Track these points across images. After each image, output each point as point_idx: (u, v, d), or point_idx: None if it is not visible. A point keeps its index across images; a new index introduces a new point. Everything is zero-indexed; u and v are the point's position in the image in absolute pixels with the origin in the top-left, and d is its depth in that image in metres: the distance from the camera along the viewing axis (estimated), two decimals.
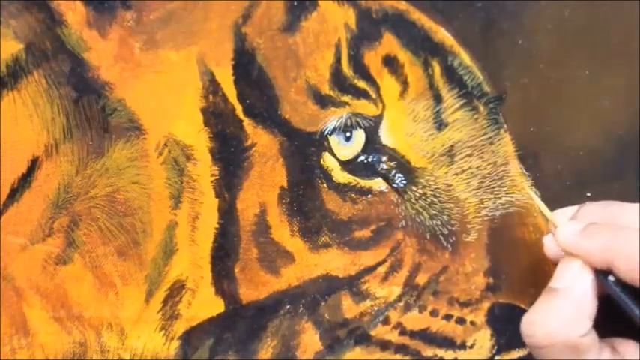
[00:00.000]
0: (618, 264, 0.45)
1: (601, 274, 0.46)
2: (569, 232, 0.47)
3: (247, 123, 0.51)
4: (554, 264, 0.48)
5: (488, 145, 0.54)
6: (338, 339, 0.53)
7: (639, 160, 0.55)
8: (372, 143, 0.52)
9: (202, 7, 0.50)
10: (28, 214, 0.49)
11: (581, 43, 0.55)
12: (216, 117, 0.50)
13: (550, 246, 0.50)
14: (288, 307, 0.52)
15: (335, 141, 0.52)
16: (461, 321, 0.53)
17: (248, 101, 0.51)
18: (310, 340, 0.52)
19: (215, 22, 0.50)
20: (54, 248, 0.49)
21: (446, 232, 0.53)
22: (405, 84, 0.52)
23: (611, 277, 0.46)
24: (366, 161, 0.52)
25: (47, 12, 0.48)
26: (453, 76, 0.53)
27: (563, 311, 0.46)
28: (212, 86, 0.50)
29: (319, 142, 0.52)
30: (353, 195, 0.52)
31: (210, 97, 0.50)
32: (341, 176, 0.52)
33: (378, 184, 0.52)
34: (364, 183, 0.52)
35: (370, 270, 0.53)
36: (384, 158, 0.52)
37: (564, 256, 0.48)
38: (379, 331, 0.53)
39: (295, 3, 0.51)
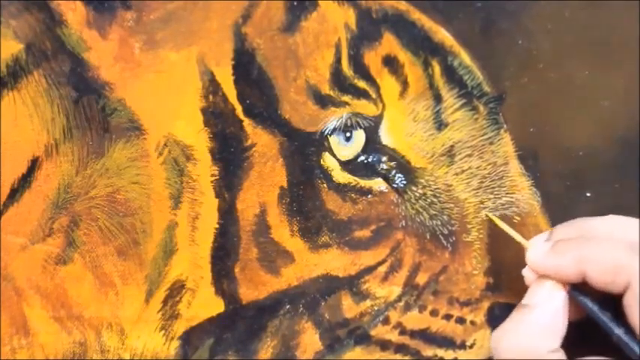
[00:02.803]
0: (591, 271, 0.45)
1: (575, 291, 0.46)
2: (539, 252, 0.47)
3: (247, 123, 0.51)
4: None
5: (488, 145, 0.54)
6: (338, 339, 0.53)
7: (639, 160, 0.55)
8: (372, 143, 0.52)
9: (202, 7, 0.50)
10: (28, 214, 0.49)
11: (581, 43, 0.55)
12: (216, 117, 0.50)
13: (529, 276, 0.48)
14: (288, 307, 0.52)
15: (335, 141, 0.52)
16: (461, 321, 0.53)
17: (248, 101, 0.51)
18: (310, 340, 0.52)
19: (215, 22, 0.50)
20: (54, 248, 0.49)
21: (446, 232, 0.53)
22: (405, 84, 0.52)
23: (586, 298, 0.46)
24: (366, 161, 0.52)
25: (47, 12, 0.48)
26: (453, 76, 0.53)
27: (531, 327, 0.46)
28: (212, 86, 0.50)
29: (319, 142, 0.52)
30: (353, 195, 0.52)
31: (210, 97, 0.50)
32: (341, 176, 0.52)
33: (378, 184, 0.52)
34: (364, 183, 0.52)
35: (370, 270, 0.53)
36: (384, 158, 0.52)
37: (538, 277, 0.48)
38: (379, 331, 0.53)
39: (295, 3, 0.51)
